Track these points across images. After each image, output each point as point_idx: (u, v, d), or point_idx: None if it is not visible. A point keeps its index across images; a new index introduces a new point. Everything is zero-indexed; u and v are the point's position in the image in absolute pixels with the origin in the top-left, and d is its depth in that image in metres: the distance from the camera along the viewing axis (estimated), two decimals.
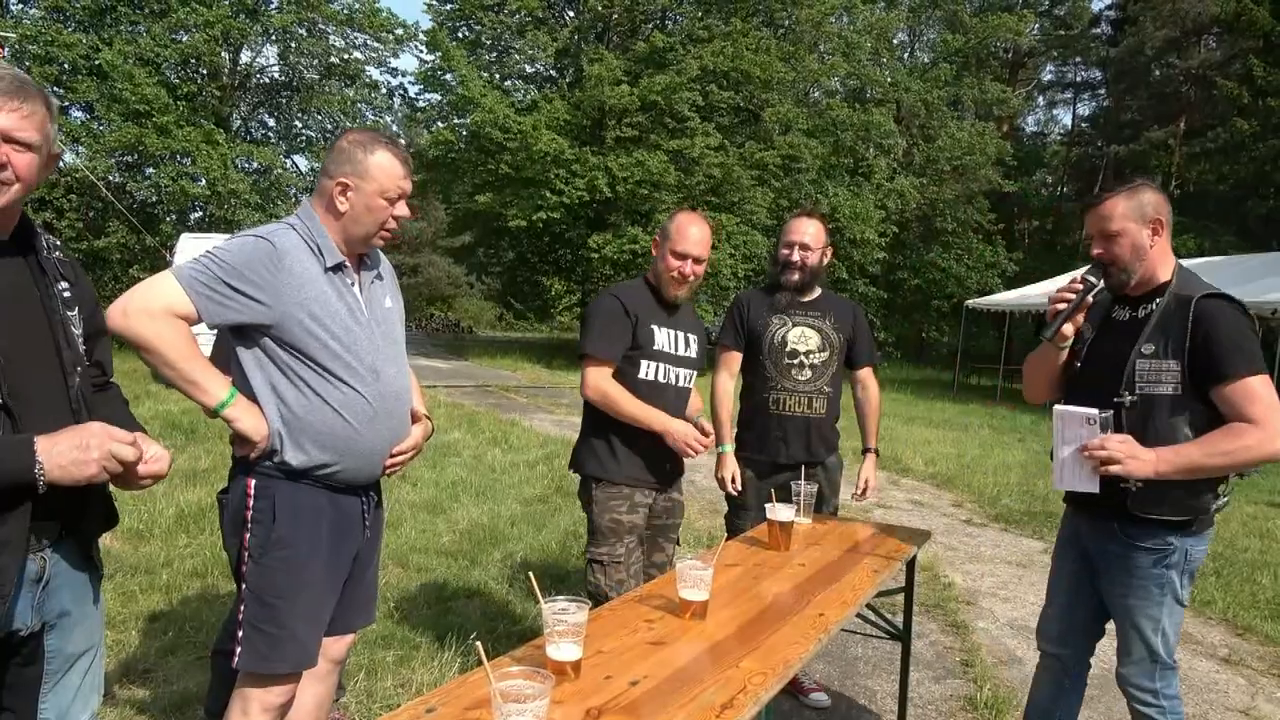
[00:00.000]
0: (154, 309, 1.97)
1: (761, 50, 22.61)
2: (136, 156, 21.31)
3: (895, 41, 31.44)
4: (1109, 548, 2.47)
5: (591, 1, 23.07)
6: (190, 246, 13.31)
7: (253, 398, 2.10)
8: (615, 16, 24.19)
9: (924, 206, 27.30)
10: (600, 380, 2.95)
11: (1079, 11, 33.30)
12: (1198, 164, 27.17)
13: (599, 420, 3.02)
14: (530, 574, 1.94)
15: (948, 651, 4.22)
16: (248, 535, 2.11)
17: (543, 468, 8.04)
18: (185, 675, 3.39)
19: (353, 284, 2.20)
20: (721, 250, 21.21)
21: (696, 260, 3.00)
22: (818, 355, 3.43)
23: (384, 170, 2.14)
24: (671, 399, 3.05)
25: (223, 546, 2.27)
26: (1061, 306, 2.49)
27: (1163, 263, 2.40)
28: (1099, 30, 34.05)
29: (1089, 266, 2.49)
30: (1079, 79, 36.71)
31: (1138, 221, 2.36)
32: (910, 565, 3.11)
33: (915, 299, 28.59)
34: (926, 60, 31.86)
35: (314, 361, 2.09)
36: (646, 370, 3.01)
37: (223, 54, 23.71)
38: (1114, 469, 2.25)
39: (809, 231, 3.44)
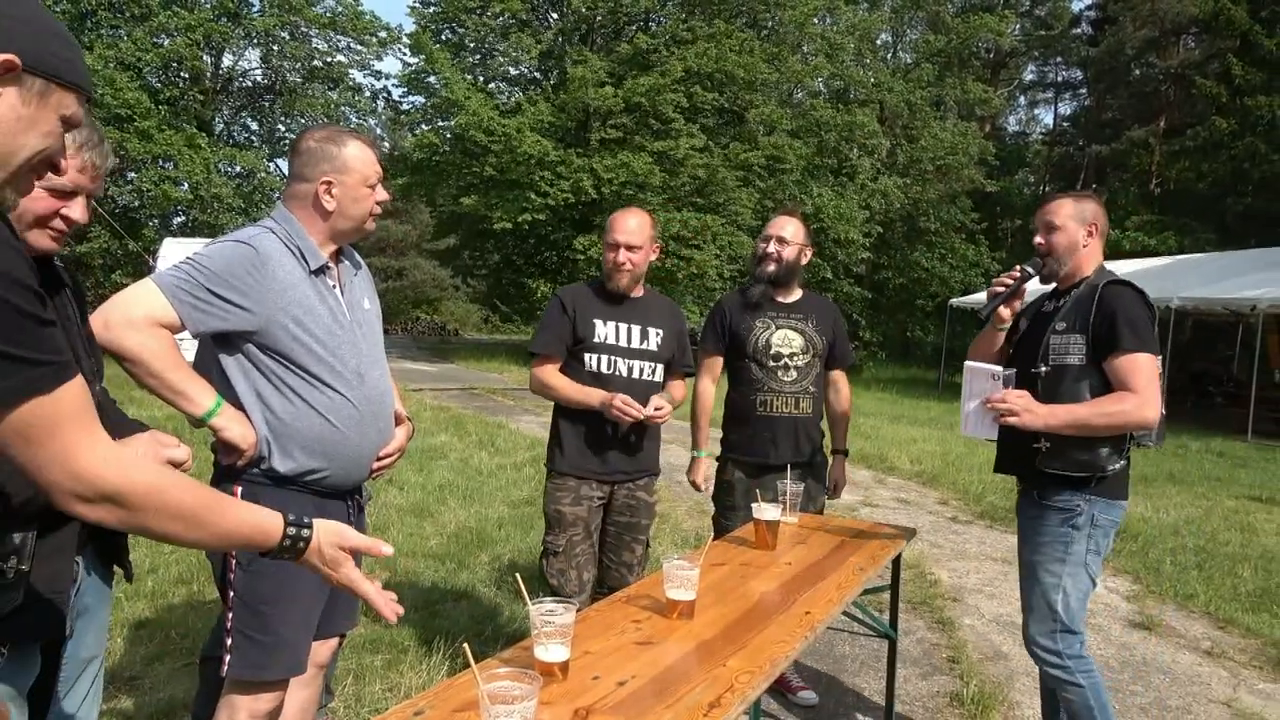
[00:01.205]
0: (136, 319, 1.95)
1: (745, 51, 22.68)
2: (118, 161, 21.15)
3: (878, 42, 31.56)
4: (1028, 512, 2.75)
5: (575, 3, 23.07)
6: (173, 251, 13.22)
7: (237, 405, 2.08)
8: (599, 18, 24.20)
9: (908, 206, 27.40)
10: (539, 373, 3.20)
11: (1059, 12, 33.55)
12: (1177, 162, 27.41)
13: (554, 413, 3.25)
14: (518, 576, 1.95)
15: (934, 648, 4.25)
16: None
17: (530, 470, 8.04)
18: (172, 682, 3.37)
19: (334, 286, 2.19)
20: (707, 251, 21.26)
21: (628, 247, 3.12)
22: (801, 357, 3.46)
23: (360, 159, 2.16)
24: (619, 390, 3.07)
25: (205, 555, 2.26)
26: (1000, 289, 2.82)
27: (1090, 262, 2.74)
28: (1079, 30, 34.34)
29: (1030, 259, 2.83)
30: (1060, 79, 37.04)
31: (1077, 222, 2.71)
32: (896, 563, 3.13)
33: (900, 298, 28.70)
34: (909, 61, 31.99)
35: (299, 367, 2.09)
36: (590, 362, 3.15)
37: (204, 58, 23.61)
38: (1011, 420, 2.57)
39: (787, 227, 3.51)
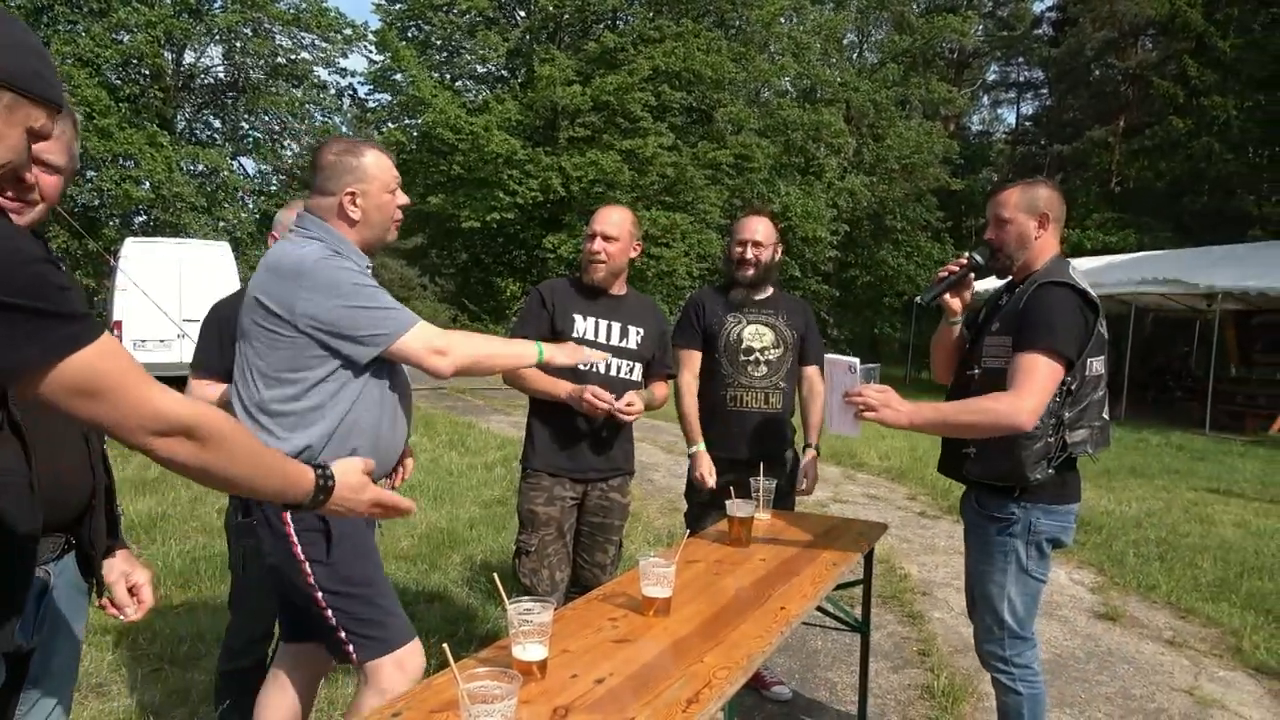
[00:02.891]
0: (440, 344, 2.15)
1: (713, 51, 22.77)
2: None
3: (844, 42, 31.82)
4: (969, 519, 2.69)
5: (542, 1, 23.00)
6: (135, 252, 12.96)
7: (312, 410, 2.09)
8: (566, 17, 24.16)
9: (874, 205, 27.69)
10: None
11: (1021, 13, 34.01)
12: (1136, 161, 27.90)
13: (529, 411, 3.23)
14: (495, 576, 1.95)
15: (905, 642, 4.30)
16: (299, 547, 2.10)
17: (501, 469, 8.01)
18: (141, 688, 3.33)
19: None
20: (676, 249, 21.32)
21: (605, 238, 3.11)
22: (772, 352, 3.48)
23: (380, 167, 2.22)
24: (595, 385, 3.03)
25: (274, 565, 2.18)
26: (944, 276, 2.71)
27: (1044, 254, 2.55)
28: (1040, 31, 34.80)
29: (979, 246, 2.70)
30: (1022, 79, 37.49)
31: (1027, 213, 2.53)
32: (868, 558, 3.16)
33: (867, 296, 28.96)
34: (874, 60, 32.27)
35: (373, 361, 2.15)
36: None
37: (165, 54, 23.21)
38: (870, 416, 2.40)
39: (759, 229, 3.50)
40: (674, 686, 1.71)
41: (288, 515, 2.09)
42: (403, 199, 2.28)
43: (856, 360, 2.49)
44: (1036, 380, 2.31)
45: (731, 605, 2.24)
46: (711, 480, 3.41)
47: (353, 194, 2.17)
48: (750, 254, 3.47)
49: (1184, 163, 25.36)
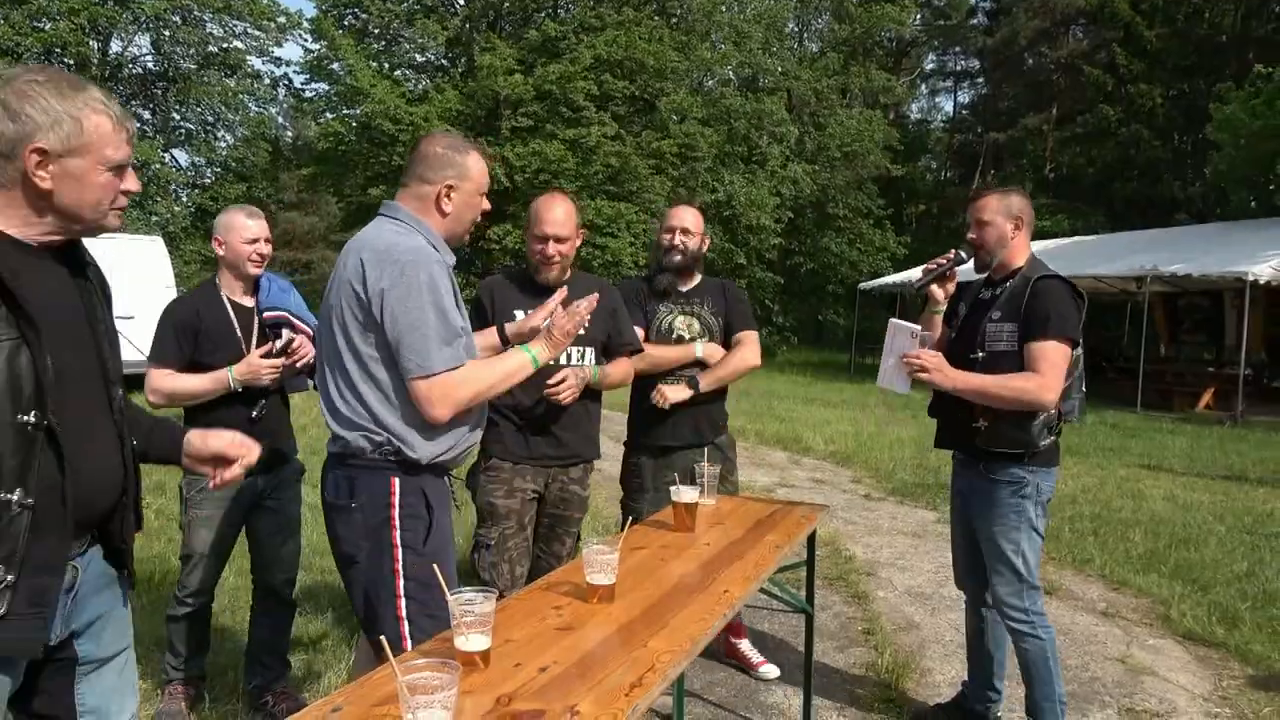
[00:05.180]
0: (458, 398, 2.16)
1: (654, 39, 22.73)
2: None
3: (785, 31, 32.01)
4: (976, 484, 2.98)
5: None
6: None
7: (389, 397, 2.16)
8: (506, 5, 23.95)
9: (817, 192, 27.93)
10: None
11: (957, 3, 34.60)
12: (1069, 148, 28.66)
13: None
14: (435, 566, 1.93)
15: (851, 621, 4.37)
16: (399, 532, 2.16)
17: None
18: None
19: None
20: (622, 239, 21.29)
21: (557, 239, 3.01)
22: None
23: (479, 169, 2.31)
24: (541, 376, 2.82)
25: (346, 552, 2.22)
26: (932, 267, 3.08)
27: (1020, 252, 2.95)
28: (976, 21, 35.48)
29: (964, 244, 3.04)
30: (959, 68, 38.21)
31: (1004, 217, 2.91)
32: (811, 539, 3.20)
33: (811, 283, 29.23)
34: (815, 49, 32.54)
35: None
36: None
37: (90, 43, 22.43)
38: (924, 376, 2.81)
39: (688, 218, 3.55)
40: (618, 672, 1.71)
41: (396, 499, 2.15)
42: (485, 204, 2.38)
43: (919, 327, 2.84)
44: (1051, 362, 2.70)
45: (676, 590, 2.24)
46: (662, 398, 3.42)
47: (450, 186, 2.26)
48: (679, 240, 3.50)
49: (1114, 149, 26.12)
